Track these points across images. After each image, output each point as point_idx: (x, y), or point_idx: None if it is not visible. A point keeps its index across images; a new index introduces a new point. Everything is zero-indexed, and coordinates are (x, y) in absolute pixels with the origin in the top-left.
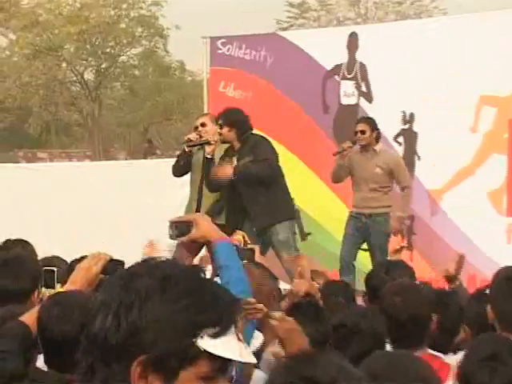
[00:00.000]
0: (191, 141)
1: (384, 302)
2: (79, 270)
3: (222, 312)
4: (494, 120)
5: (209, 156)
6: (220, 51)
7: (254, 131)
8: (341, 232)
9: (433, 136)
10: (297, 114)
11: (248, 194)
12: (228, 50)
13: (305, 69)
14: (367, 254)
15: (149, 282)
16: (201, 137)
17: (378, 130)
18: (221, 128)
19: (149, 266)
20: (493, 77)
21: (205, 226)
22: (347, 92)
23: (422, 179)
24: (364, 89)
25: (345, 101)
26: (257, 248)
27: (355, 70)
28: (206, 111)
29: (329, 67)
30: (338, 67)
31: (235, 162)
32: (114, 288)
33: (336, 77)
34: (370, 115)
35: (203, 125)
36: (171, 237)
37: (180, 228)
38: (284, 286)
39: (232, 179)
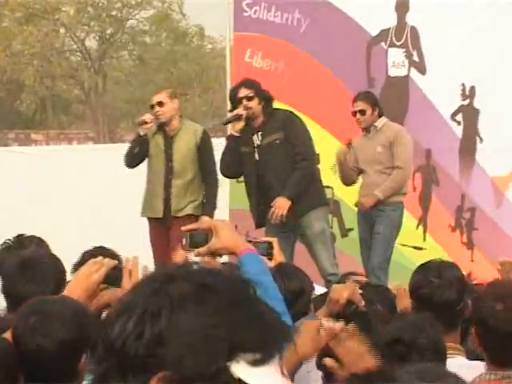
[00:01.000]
0: (146, 123)
1: (480, 310)
2: (77, 277)
3: (267, 336)
4: None
5: (237, 134)
6: (245, 14)
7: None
8: None
9: (497, 113)
10: (336, 88)
11: (277, 177)
12: (255, 13)
13: (346, 35)
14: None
15: (185, 287)
16: (157, 118)
17: (379, 107)
18: (249, 100)
19: (188, 270)
20: None
21: (227, 235)
22: (396, 62)
23: (484, 165)
24: (416, 58)
25: (393, 72)
26: (275, 241)
27: (405, 36)
28: (228, 84)
29: (374, 33)
30: (385, 32)
31: (257, 141)
32: (143, 290)
33: (383, 44)
34: (423, 89)
35: (160, 104)
36: (184, 248)
37: (196, 237)
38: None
39: (256, 161)
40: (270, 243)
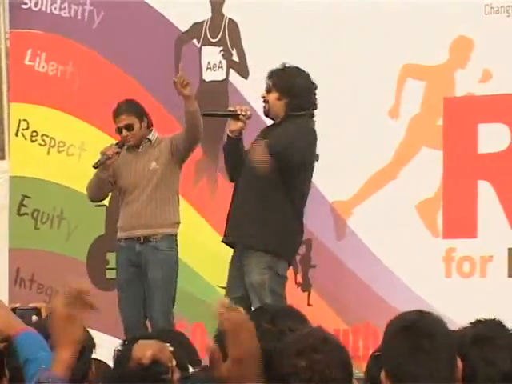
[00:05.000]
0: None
1: (281, 367)
2: None
3: None
4: (422, 99)
5: (233, 135)
6: (24, 6)
7: None
8: (213, 273)
9: (336, 124)
10: (138, 97)
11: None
12: (36, 5)
13: (149, 30)
14: None
15: None
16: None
17: (147, 116)
18: (268, 91)
19: None
20: (420, 40)
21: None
22: (212, 63)
23: (321, 188)
24: (236, 58)
25: (209, 76)
26: (44, 307)
27: (222, 32)
28: (5, 94)
29: (184, 27)
30: (197, 27)
31: None
32: None
33: (195, 41)
34: (245, 96)
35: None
36: None
37: None
38: None
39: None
40: (38, 310)
